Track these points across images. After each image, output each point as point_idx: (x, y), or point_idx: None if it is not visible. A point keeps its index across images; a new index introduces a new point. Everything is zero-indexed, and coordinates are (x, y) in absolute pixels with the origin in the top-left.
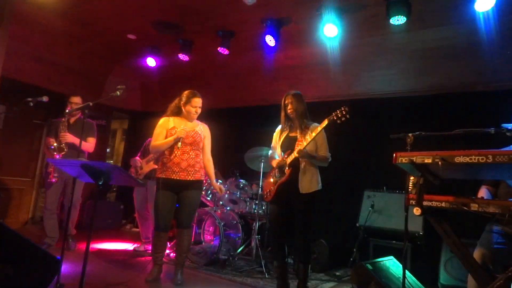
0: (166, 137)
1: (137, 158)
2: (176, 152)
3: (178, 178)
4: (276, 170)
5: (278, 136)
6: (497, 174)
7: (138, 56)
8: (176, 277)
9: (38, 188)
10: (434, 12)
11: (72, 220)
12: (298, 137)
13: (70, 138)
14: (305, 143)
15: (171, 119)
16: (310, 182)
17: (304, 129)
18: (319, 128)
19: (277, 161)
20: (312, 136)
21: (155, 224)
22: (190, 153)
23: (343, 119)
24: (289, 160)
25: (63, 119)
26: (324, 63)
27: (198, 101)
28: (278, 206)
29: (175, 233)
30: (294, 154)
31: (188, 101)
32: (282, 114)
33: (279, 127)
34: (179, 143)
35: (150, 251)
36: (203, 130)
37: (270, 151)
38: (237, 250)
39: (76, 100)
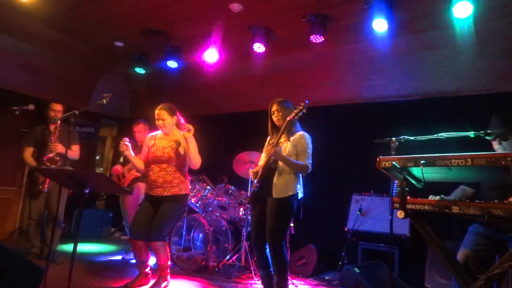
0: (147, 154)
1: (117, 166)
2: (154, 169)
3: (155, 194)
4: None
5: (267, 144)
6: (477, 176)
7: (126, 63)
8: (153, 286)
9: (25, 198)
10: (416, 18)
11: (56, 236)
12: (282, 142)
13: (60, 148)
14: (287, 145)
15: (155, 136)
16: (285, 186)
17: (289, 136)
18: (284, 124)
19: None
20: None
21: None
22: (167, 170)
23: (300, 114)
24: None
25: (51, 127)
26: (312, 69)
27: (156, 114)
28: (256, 210)
29: None
30: (269, 152)
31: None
32: (269, 122)
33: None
34: (121, 158)
35: None
36: (181, 139)
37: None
38: (226, 256)
39: (58, 107)
